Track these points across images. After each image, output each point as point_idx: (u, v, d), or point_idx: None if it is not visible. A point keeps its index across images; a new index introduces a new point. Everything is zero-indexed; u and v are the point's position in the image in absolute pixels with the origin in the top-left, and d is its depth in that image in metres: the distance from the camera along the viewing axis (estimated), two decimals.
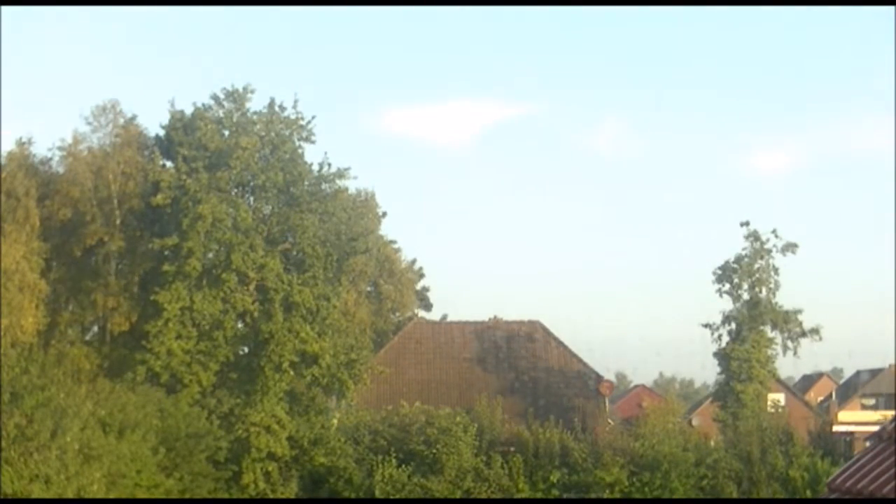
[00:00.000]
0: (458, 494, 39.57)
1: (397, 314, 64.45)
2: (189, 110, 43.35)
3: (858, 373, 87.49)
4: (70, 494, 32.82)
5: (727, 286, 52.36)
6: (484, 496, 39.80)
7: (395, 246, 64.94)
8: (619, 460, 41.36)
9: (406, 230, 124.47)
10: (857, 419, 69.63)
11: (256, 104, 44.04)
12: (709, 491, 40.82)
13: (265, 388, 41.73)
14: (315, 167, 44.17)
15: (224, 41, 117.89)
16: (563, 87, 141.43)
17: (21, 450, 32.67)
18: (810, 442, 44.74)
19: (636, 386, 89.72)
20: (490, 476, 40.24)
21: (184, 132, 42.69)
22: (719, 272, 52.49)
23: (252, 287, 42.55)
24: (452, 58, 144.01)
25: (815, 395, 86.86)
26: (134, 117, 44.79)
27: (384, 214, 61.95)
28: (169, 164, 43.69)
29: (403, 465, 39.83)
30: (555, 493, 40.89)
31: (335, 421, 43.35)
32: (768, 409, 51.27)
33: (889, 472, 8.59)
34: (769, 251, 51.97)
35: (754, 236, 52.19)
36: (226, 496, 39.65)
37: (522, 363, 54.14)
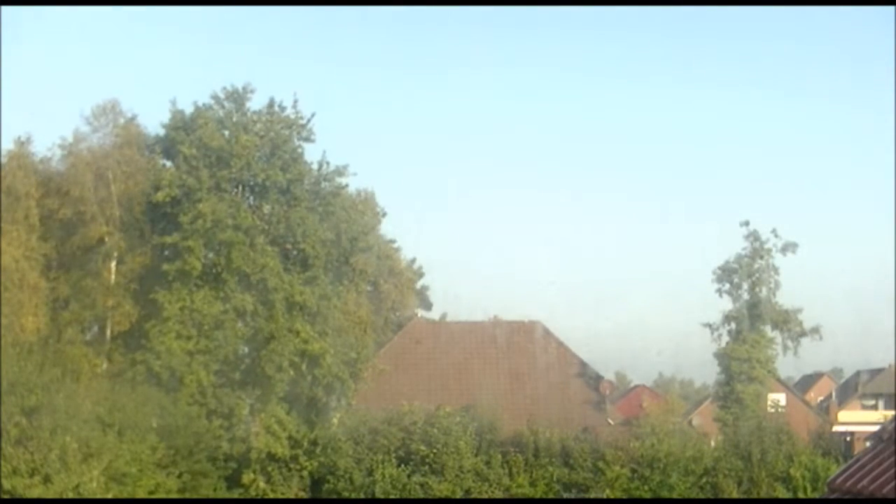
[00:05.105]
0: (459, 494, 39.56)
1: (397, 313, 64.43)
2: (189, 110, 43.47)
3: (858, 373, 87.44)
4: (70, 492, 32.90)
5: (727, 286, 52.35)
6: (484, 496, 39.81)
7: (395, 245, 65.00)
8: (621, 457, 41.39)
9: (405, 228, 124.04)
10: (857, 419, 69.63)
11: (256, 104, 44.19)
12: (709, 490, 40.82)
13: (266, 388, 41.78)
14: (315, 166, 44.27)
15: (224, 41, 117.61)
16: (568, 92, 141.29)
17: (21, 448, 32.75)
18: (810, 442, 44.73)
19: (636, 386, 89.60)
20: (490, 475, 40.24)
21: (184, 132, 42.75)
22: (719, 272, 52.49)
23: (253, 287, 42.55)
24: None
25: (815, 395, 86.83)
26: (134, 117, 44.81)
27: (384, 214, 62.03)
28: (169, 163, 43.75)
29: (404, 465, 39.83)
30: (555, 489, 40.90)
31: (335, 421, 43.36)
32: (768, 408, 51.26)
33: (889, 472, 8.61)
34: (769, 251, 51.98)
35: (754, 236, 52.19)
36: (226, 496, 39.68)
37: (522, 363, 54.14)
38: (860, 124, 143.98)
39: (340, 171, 44.33)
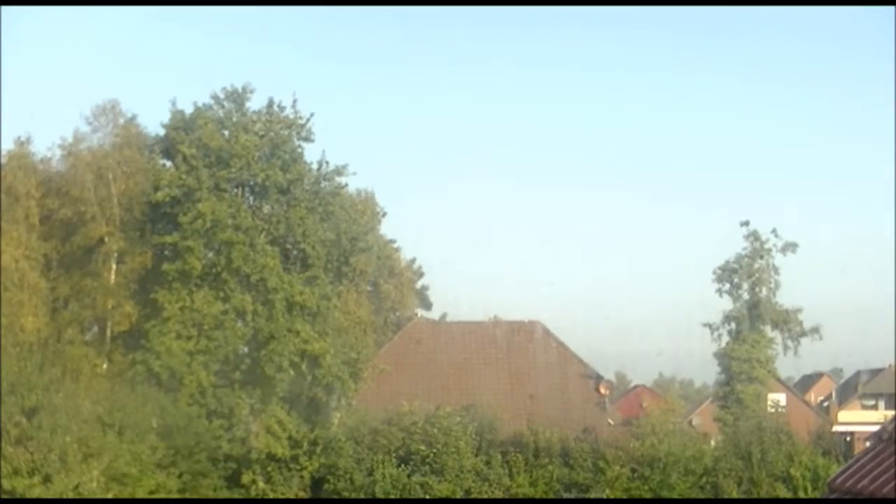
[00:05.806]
0: (459, 494, 39.53)
1: (397, 313, 64.45)
2: (189, 110, 43.49)
3: (858, 373, 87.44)
4: (70, 492, 32.92)
5: (727, 286, 52.36)
6: (484, 496, 39.79)
7: (395, 245, 65.03)
8: (621, 456, 41.38)
9: (405, 228, 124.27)
10: (857, 419, 69.62)
11: (256, 104, 44.21)
12: (709, 490, 40.80)
13: (266, 388, 41.78)
14: (314, 166, 44.31)
15: (224, 41, 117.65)
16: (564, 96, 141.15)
17: (21, 448, 32.78)
18: (810, 442, 44.72)
19: (636, 386, 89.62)
20: (490, 475, 40.22)
21: (184, 132, 42.78)
22: (719, 272, 52.49)
23: (253, 287, 42.55)
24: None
25: (815, 395, 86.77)
26: (134, 117, 44.80)
27: (384, 214, 62.03)
28: (169, 163, 43.78)
29: (404, 465, 39.81)
30: (555, 489, 40.89)
31: (336, 421, 43.36)
32: (768, 408, 51.23)
33: (889, 472, 8.60)
34: (769, 251, 51.98)
35: (754, 236, 52.19)
36: (226, 496, 39.67)
37: (522, 363, 54.14)
38: (860, 124, 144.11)
39: (340, 171, 44.37)
